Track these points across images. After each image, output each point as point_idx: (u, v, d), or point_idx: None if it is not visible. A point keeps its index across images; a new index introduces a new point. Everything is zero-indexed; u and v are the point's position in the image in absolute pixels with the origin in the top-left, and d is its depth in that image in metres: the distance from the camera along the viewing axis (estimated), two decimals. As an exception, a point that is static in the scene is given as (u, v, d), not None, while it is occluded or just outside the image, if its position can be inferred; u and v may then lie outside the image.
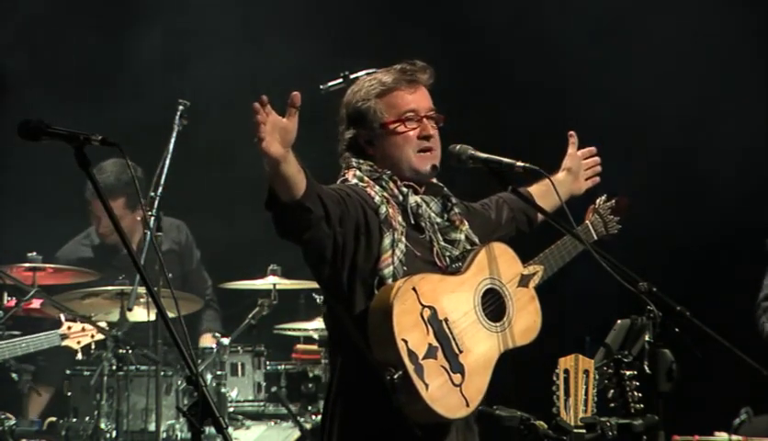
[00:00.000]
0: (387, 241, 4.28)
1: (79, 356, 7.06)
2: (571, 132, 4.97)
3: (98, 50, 8.59)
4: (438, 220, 4.43)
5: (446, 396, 4.21)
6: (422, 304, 4.24)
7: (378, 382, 4.15)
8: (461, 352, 4.28)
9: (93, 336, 7.03)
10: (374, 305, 4.24)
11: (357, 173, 4.41)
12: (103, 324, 7.03)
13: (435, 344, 4.23)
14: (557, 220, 4.38)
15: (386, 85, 4.43)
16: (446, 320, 4.28)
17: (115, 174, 7.63)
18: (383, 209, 4.32)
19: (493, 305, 4.39)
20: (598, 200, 5.00)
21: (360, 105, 4.44)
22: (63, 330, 7.01)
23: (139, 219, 7.67)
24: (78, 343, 7.03)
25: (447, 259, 4.40)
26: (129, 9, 8.66)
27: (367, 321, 4.23)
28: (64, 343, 7.02)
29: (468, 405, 4.25)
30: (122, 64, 8.62)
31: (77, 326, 7.02)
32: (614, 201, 5.00)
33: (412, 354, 4.17)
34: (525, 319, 4.42)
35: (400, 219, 4.34)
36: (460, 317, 4.31)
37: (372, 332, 4.22)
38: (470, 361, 4.28)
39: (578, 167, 4.95)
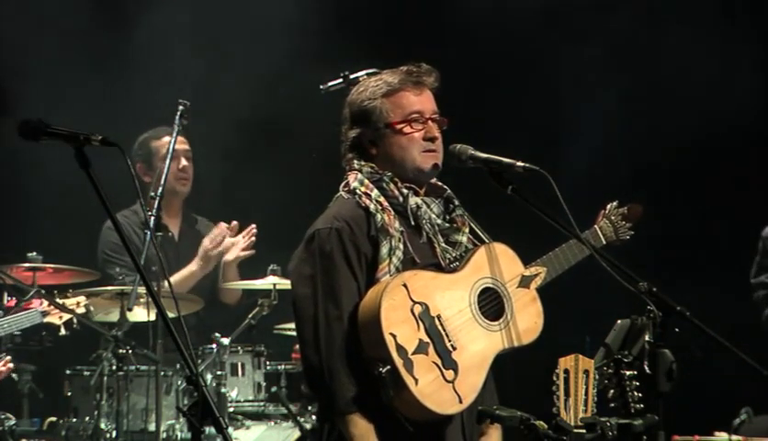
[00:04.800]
0: (384, 250, 4.28)
1: (62, 332, 6.93)
2: None
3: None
4: (439, 221, 4.42)
5: (437, 392, 4.20)
6: (412, 300, 4.23)
7: (372, 380, 4.15)
8: (455, 349, 4.26)
9: (74, 310, 6.95)
10: (364, 302, 4.24)
11: (359, 176, 4.40)
12: (60, 301, 6.87)
13: (427, 339, 4.23)
14: (561, 224, 4.36)
15: (392, 86, 4.42)
16: (438, 316, 4.27)
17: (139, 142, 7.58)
18: (378, 217, 4.31)
19: (491, 304, 4.38)
20: (609, 206, 4.98)
21: (366, 104, 4.42)
22: (44, 307, 6.89)
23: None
24: (60, 318, 6.93)
25: (448, 261, 4.39)
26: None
27: (358, 319, 4.23)
28: (46, 319, 6.89)
29: (461, 401, 4.24)
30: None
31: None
32: (626, 208, 4.98)
33: (400, 348, 4.16)
34: (526, 319, 4.41)
35: (396, 224, 4.32)
36: (454, 314, 4.30)
37: (362, 329, 4.21)
38: (464, 358, 4.27)
39: None
